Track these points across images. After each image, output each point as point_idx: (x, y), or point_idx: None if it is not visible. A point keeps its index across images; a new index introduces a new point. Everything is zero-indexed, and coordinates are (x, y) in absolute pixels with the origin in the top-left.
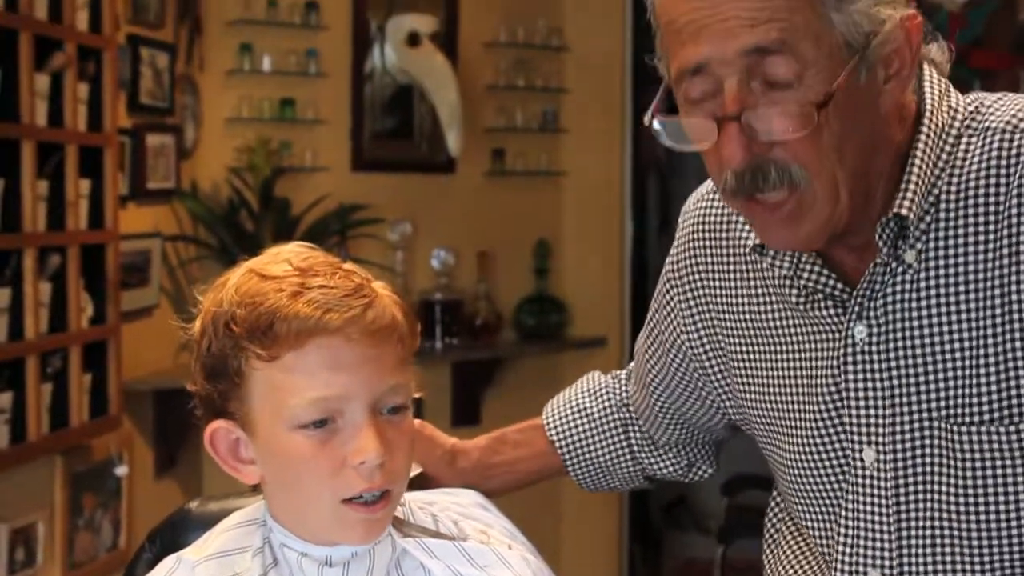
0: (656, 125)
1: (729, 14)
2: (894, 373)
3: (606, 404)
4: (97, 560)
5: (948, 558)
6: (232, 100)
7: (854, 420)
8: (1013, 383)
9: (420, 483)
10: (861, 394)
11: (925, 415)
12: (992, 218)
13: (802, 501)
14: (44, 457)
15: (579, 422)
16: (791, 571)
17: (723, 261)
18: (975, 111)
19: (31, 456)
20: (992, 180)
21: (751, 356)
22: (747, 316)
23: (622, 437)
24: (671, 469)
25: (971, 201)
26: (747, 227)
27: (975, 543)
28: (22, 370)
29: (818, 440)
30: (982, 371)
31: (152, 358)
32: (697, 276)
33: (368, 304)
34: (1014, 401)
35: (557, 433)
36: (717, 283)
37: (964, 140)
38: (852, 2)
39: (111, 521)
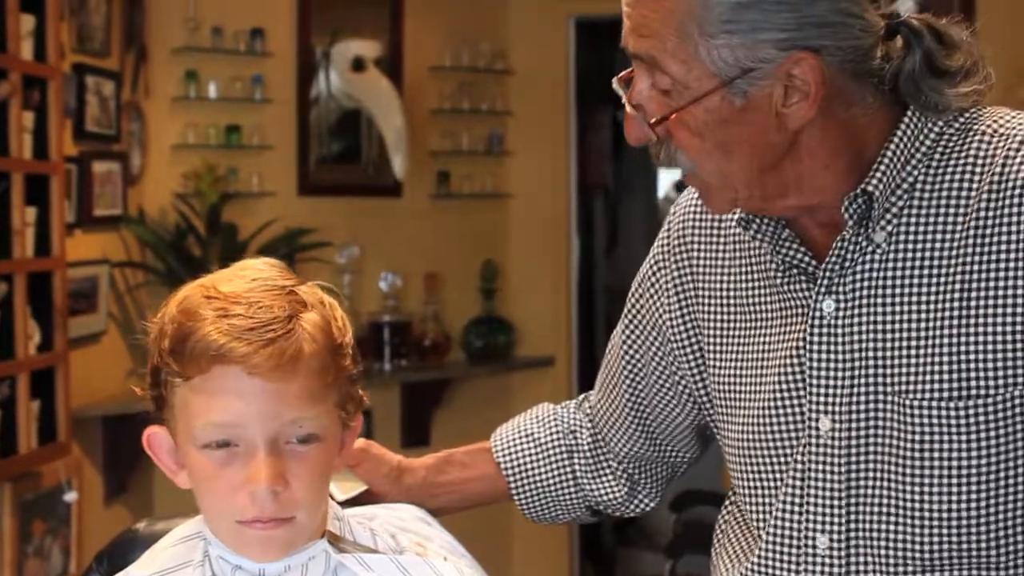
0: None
1: (634, 19)
2: (856, 347)
3: (553, 431)
4: None
5: (894, 526)
6: (178, 127)
7: (813, 390)
8: (965, 364)
9: (365, 500)
10: (823, 365)
11: (881, 389)
12: (962, 211)
13: (753, 472)
14: None
15: (525, 447)
16: (736, 554)
17: (712, 242)
18: (959, 113)
19: None
20: (967, 176)
21: (725, 330)
22: (729, 293)
23: (566, 463)
24: (612, 496)
25: (944, 193)
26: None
27: (920, 511)
28: None
29: (777, 407)
30: (938, 351)
31: (101, 384)
32: (686, 258)
33: (273, 339)
34: (964, 383)
35: (503, 456)
36: (704, 263)
37: (945, 137)
38: (715, 39)
39: (61, 547)
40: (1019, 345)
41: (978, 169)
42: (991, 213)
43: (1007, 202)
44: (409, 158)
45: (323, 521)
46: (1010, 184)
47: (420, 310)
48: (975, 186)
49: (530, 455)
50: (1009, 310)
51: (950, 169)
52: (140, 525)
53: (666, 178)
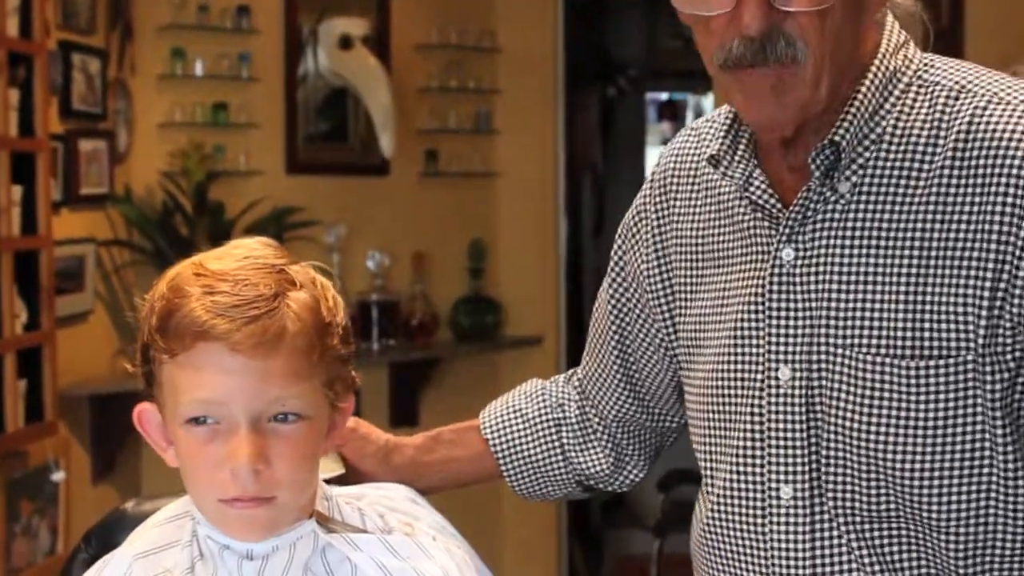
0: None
1: None
2: (813, 297)
3: (541, 405)
4: (35, 566)
5: (848, 478)
6: (165, 105)
7: (773, 338)
8: (920, 324)
9: (353, 480)
10: (783, 314)
11: (836, 341)
12: (926, 167)
13: (716, 428)
14: None
15: (513, 421)
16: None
17: (690, 188)
18: (928, 65)
19: None
20: (932, 132)
21: (695, 276)
22: (701, 238)
23: (554, 436)
24: (600, 467)
25: (910, 147)
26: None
27: (868, 466)
28: None
29: (734, 352)
30: (894, 307)
31: (88, 363)
32: (665, 205)
33: (256, 316)
34: (918, 342)
35: (491, 432)
36: (681, 210)
37: (913, 90)
38: None
39: (48, 527)
40: (971, 310)
41: (944, 125)
42: (955, 172)
43: (971, 162)
44: (397, 137)
45: (311, 501)
46: (976, 143)
47: (408, 289)
48: (940, 143)
49: (518, 430)
50: (964, 272)
51: (918, 123)
52: (129, 504)
53: (654, 158)
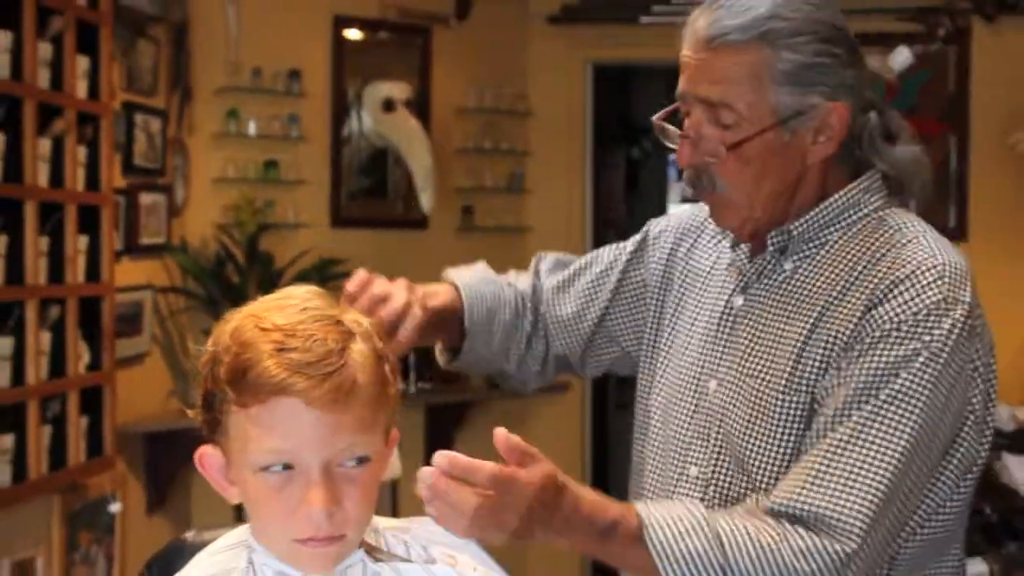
0: (656, 125)
1: (706, 68)
2: (742, 336)
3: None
4: None
5: (737, 474)
6: (219, 162)
7: (711, 360)
8: (794, 372)
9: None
10: (722, 344)
11: (742, 370)
12: (845, 267)
13: (664, 420)
14: (43, 495)
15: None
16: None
17: (701, 238)
18: (888, 209)
19: (31, 494)
20: (861, 246)
21: (678, 316)
22: (696, 276)
23: (504, 283)
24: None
25: (843, 253)
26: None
27: (751, 470)
28: (23, 414)
29: (685, 373)
30: (783, 356)
31: (144, 402)
32: (680, 242)
33: (331, 373)
34: (788, 382)
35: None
36: (686, 251)
37: (867, 219)
38: (781, 87)
39: (105, 556)
40: (820, 374)
41: (870, 243)
42: (855, 279)
43: (868, 279)
44: (435, 194)
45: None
46: (879, 269)
47: None
48: (862, 253)
49: (483, 280)
50: (828, 350)
51: (857, 238)
52: (189, 535)
53: None
